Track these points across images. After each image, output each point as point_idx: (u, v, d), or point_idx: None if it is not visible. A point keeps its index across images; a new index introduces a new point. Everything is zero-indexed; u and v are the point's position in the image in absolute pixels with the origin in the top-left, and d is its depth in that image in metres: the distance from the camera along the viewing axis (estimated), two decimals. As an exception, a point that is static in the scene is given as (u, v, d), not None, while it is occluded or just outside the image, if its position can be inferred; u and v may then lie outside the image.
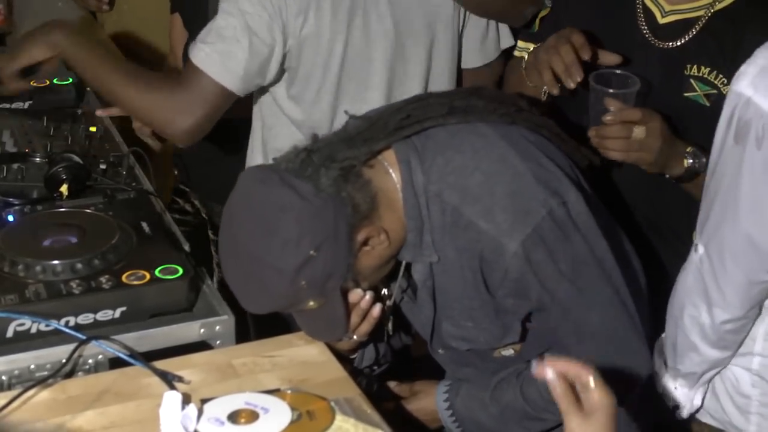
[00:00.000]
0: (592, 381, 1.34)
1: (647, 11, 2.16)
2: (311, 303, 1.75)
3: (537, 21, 2.36)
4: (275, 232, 1.69)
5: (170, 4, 3.08)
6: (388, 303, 1.92)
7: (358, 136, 1.79)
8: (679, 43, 2.13)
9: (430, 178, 1.77)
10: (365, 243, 1.75)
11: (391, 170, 1.79)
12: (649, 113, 2.01)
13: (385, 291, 1.92)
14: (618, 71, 2.06)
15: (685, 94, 2.10)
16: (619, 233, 1.92)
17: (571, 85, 2.06)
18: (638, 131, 2.00)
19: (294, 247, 1.69)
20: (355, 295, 1.84)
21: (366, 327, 1.88)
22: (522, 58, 2.28)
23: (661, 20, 2.15)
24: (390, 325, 1.99)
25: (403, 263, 1.86)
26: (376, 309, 1.87)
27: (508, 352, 1.93)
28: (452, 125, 1.82)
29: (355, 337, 1.90)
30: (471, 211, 1.75)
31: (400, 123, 1.81)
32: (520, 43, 2.38)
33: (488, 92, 1.99)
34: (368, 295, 1.85)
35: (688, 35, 2.12)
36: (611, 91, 2.01)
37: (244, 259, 1.74)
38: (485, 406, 1.94)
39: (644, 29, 2.16)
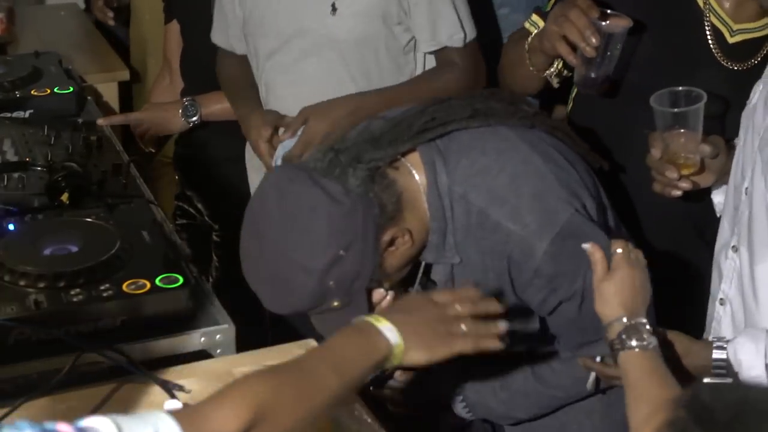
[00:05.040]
0: (618, 249, 1.65)
1: (715, 30, 2.10)
2: (336, 303, 1.74)
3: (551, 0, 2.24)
4: (305, 231, 1.69)
5: (164, 15, 3.09)
6: None
7: (383, 137, 1.79)
8: (748, 65, 2.07)
9: (455, 180, 1.78)
10: (391, 243, 1.76)
11: (414, 172, 1.80)
12: (716, 140, 1.92)
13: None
14: (680, 88, 1.89)
15: None
16: (625, 234, 1.93)
17: (590, 52, 1.95)
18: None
19: (324, 247, 1.69)
20: (377, 294, 1.84)
21: None
22: (529, 32, 2.18)
23: (731, 40, 2.09)
24: None
25: (422, 265, 1.86)
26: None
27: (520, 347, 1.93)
28: (474, 128, 1.84)
29: None
30: (499, 213, 1.76)
31: (424, 125, 1.82)
32: (534, 17, 2.22)
33: (504, 95, 2.00)
34: (390, 296, 1.84)
35: (759, 56, 2.06)
36: (675, 110, 1.87)
37: (271, 258, 1.73)
38: (495, 392, 1.95)
39: (714, 48, 2.09)
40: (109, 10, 3.49)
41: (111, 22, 3.54)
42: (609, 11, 1.96)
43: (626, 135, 2.14)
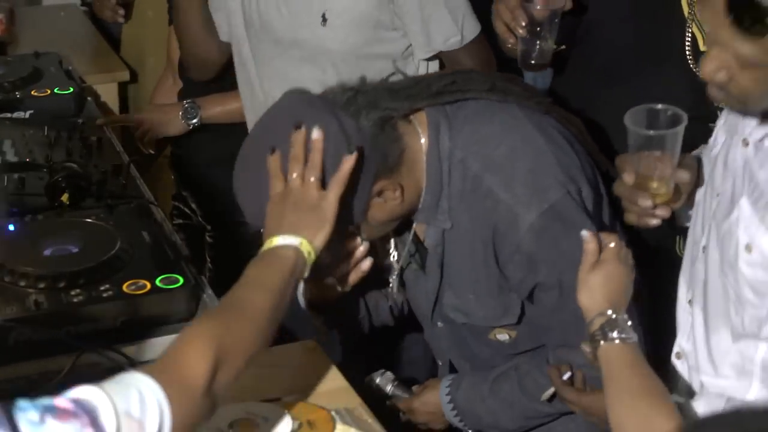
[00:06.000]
0: (611, 243, 1.66)
1: (693, 37, 2.12)
2: None
3: None
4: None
5: (168, 16, 3.09)
6: (397, 265, 1.94)
7: (401, 90, 1.82)
8: None
9: (456, 144, 1.81)
10: (380, 194, 1.77)
11: (420, 131, 1.82)
12: (690, 162, 1.74)
13: (394, 254, 1.94)
14: (659, 106, 1.68)
15: (711, 125, 1.95)
16: (619, 231, 1.93)
17: (520, 32, 2.04)
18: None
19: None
20: (353, 242, 1.85)
21: (354, 277, 1.89)
22: None
23: (703, 48, 2.10)
24: (395, 287, 1.98)
25: (413, 229, 1.88)
26: (366, 263, 1.88)
27: (503, 336, 1.94)
28: (488, 101, 1.86)
29: (339, 288, 1.90)
30: (492, 180, 1.78)
31: (443, 88, 1.85)
32: None
33: (521, 83, 2.04)
34: (363, 246, 1.86)
35: None
36: (651, 133, 1.63)
37: (265, 165, 1.72)
38: (483, 399, 1.96)
39: (688, 53, 2.11)
40: (120, 8, 3.49)
41: (121, 20, 3.54)
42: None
43: (596, 114, 2.17)
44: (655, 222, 1.70)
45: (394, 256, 1.96)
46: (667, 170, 1.65)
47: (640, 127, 1.62)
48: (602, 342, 1.57)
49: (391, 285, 1.99)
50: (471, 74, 1.94)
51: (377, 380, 2.12)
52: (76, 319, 1.86)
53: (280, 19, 2.39)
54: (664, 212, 1.69)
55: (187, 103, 2.83)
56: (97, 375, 1.81)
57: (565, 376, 1.79)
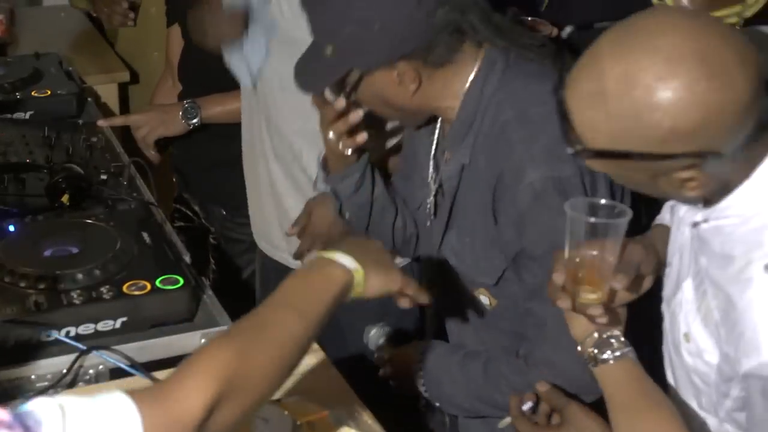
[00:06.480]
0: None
1: None
2: (329, 50, 1.79)
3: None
4: None
5: (167, 18, 3.09)
6: (434, 186, 1.98)
7: (494, 20, 1.83)
8: None
9: (502, 87, 1.82)
10: (399, 74, 1.79)
11: (478, 61, 1.83)
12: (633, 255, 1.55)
13: (433, 173, 1.98)
14: (603, 201, 1.56)
15: None
16: None
17: None
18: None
19: (369, 9, 1.74)
20: (354, 115, 1.92)
21: (351, 143, 1.96)
22: None
23: None
24: (431, 207, 2.00)
25: (444, 155, 1.92)
26: (363, 135, 1.95)
27: (485, 300, 1.93)
28: (553, 71, 1.84)
29: (341, 146, 1.97)
30: (517, 130, 1.79)
31: (531, 45, 1.86)
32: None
33: None
34: (361, 111, 1.92)
35: None
36: (592, 220, 1.50)
37: None
38: (450, 368, 1.95)
39: None
40: (131, 12, 3.50)
41: (131, 23, 3.54)
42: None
43: None
44: (600, 321, 1.53)
45: (432, 177, 1.98)
46: (604, 272, 1.50)
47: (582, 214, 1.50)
48: (597, 365, 1.55)
49: (428, 205, 2.01)
50: (562, 51, 1.93)
51: (372, 332, 2.14)
52: (76, 319, 1.86)
53: (281, 17, 2.39)
54: (595, 312, 1.52)
55: (187, 102, 2.83)
56: (98, 375, 1.83)
57: (525, 407, 1.75)
